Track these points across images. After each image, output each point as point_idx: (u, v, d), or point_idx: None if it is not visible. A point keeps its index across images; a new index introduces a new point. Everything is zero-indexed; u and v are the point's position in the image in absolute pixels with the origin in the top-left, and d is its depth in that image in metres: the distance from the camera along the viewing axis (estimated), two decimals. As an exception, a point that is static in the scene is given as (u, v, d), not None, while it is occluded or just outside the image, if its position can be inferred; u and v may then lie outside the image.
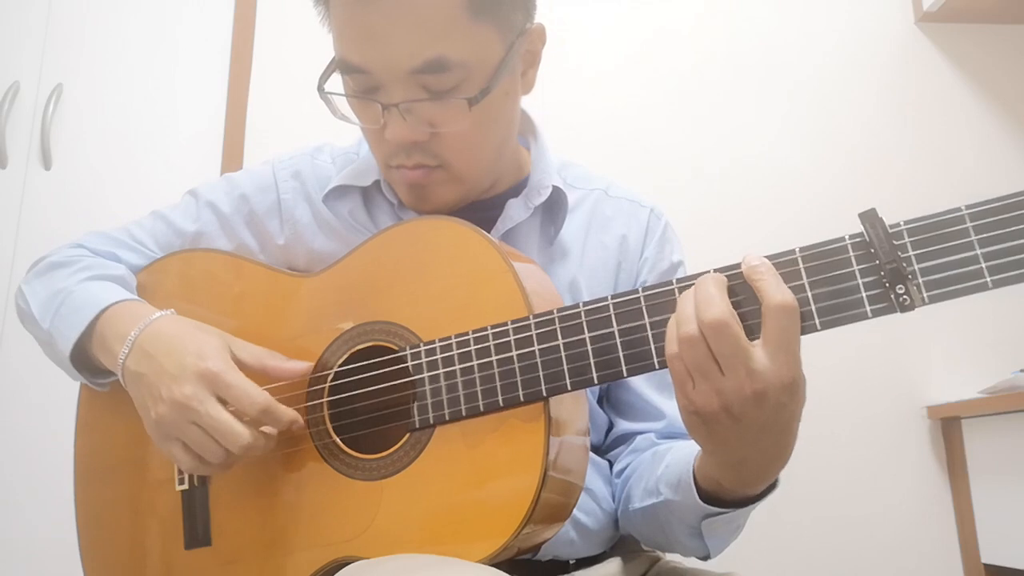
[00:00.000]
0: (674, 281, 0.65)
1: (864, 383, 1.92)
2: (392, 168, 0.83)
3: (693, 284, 0.63)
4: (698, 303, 0.61)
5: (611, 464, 0.93)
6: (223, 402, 0.74)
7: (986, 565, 1.77)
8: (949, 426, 1.88)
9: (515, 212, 0.88)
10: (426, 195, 0.84)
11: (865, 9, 2.15)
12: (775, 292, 0.60)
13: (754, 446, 0.64)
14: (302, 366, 0.79)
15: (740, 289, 0.62)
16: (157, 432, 0.77)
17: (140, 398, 0.79)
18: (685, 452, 0.78)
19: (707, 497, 0.73)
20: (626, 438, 0.91)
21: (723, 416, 0.62)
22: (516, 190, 0.90)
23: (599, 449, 0.93)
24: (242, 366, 0.76)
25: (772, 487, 0.72)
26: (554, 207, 0.90)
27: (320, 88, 0.82)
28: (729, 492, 0.71)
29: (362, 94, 0.80)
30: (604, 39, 2.09)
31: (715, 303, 0.60)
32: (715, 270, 0.64)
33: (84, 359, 0.86)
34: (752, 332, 0.61)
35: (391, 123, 0.79)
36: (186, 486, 0.82)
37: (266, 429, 0.75)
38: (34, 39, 1.94)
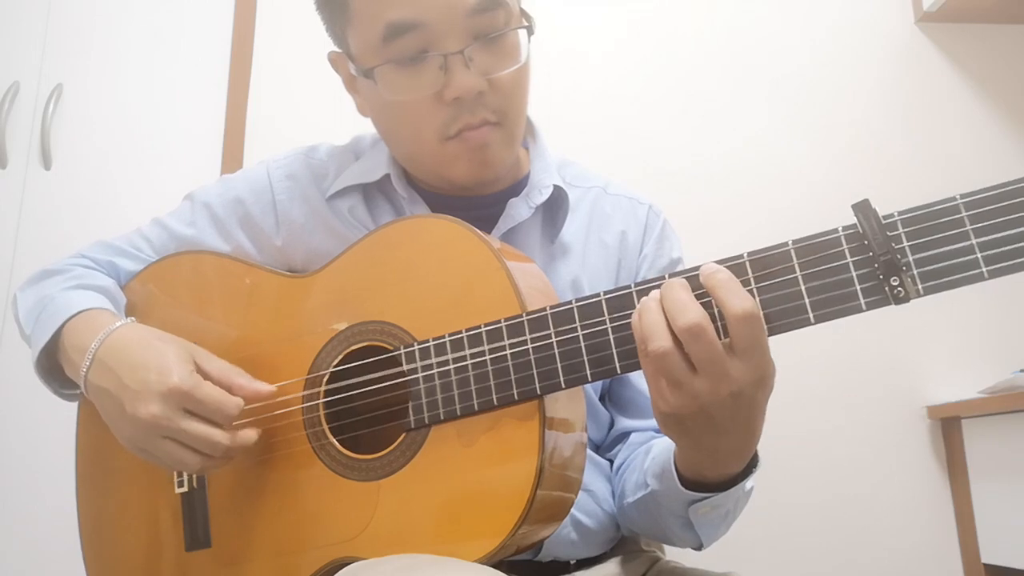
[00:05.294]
0: (667, 276, 0.64)
1: (864, 383, 1.91)
2: (451, 139, 0.82)
3: (652, 289, 0.63)
4: (670, 309, 0.60)
5: (612, 463, 0.92)
6: (193, 413, 0.74)
7: (986, 565, 1.76)
8: (949, 426, 1.87)
9: (516, 211, 0.88)
10: (489, 157, 0.83)
11: (865, 9, 2.14)
12: (736, 301, 0.59)
13: (726, 436, 0.65)
14: (268, 388, 0.78)
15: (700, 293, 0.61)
16: (130, 446, 0.77)
17: (106, 414, 0.78)
18: (668, 442, 0.78)
19: (689, 484, 0.73)
20: (626, 435, 0.91)
21: (698, 416, 0.62)
22: (516, 189, 0.91)
23: (601, 447, 0.93)
24: (207, 379, 0.76)
25: (753, 466, 0.73)
26: (555, 207, 0.90)
27: (368, 70, 0.81)
28: (711, 476, 0.72)
29: (415, 56, 0.79)
30: (604, 39, 2.09)
31: (689, 307, 0.59)
32: (669, 275, 0.63)
33: (56, 368, 0.86)
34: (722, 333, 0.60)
35: (455, 75, 0.79)
36: (185, 488, 0.83)
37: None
38: (34, 39, 1.94)
